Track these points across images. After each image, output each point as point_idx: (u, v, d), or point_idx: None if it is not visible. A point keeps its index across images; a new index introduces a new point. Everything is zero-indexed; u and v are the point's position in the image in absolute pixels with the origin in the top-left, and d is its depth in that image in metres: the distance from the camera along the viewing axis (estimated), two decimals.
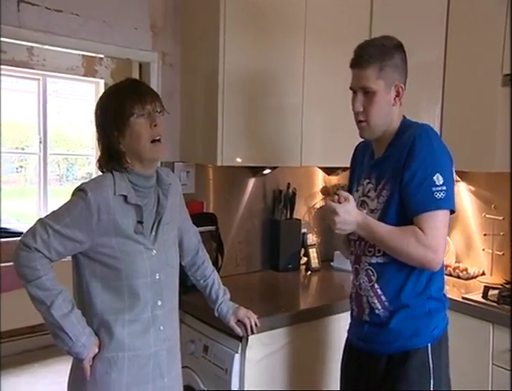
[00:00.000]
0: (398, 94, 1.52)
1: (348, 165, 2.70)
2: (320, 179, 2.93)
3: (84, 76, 4.60)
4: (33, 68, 4.34)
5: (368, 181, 1.59)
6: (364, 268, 1.57)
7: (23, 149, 4.85)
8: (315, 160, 2.51)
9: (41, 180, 4.71)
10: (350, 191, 1.70)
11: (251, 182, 2.63)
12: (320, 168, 2.86)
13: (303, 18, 2.33)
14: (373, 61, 1.48)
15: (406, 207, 1.45)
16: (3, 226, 4.07)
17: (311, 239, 2.75)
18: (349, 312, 2.13)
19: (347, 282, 2.52)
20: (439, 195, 1.41)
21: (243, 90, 2.19)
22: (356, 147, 1.79)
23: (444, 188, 1.41)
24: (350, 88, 1.56)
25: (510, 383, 1.93)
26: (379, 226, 1.46)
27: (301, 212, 2.82)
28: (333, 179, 2.93)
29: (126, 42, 2.24)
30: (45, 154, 4.69)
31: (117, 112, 1.42)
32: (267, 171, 2.57)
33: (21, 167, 4.93)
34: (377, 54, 1.49)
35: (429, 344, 1.49)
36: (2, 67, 4.09)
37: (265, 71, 2.25)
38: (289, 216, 2.67)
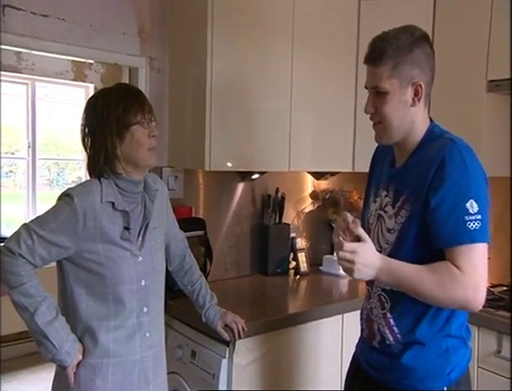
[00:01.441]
0: (417, 93, 1.31)
1: (336, 170, 2.76)
2: (309, 184, 2.94)
3: (73, 80, 4.60)
4: (21, 73, 4.32)
5: (385, 193, 1.40)
6: (376, 292, 1.40)
7: (13, 154, 4.82)
8: (303, 165, 2.51)
9: (29, 185, 4.68)
10: (366, 198, 1.56)
11: (240, 186, 2.63)
12: (309, 172, 2.87)
13: (291, 22, 2.34)
14: (386, 58, 1.29)
15: (432, 236, 1.26)
16: None
17: (300, 243, 2.76)
18: (337, 316, 2.16)
19: (336, 286, 2.56)
20: (474, 226, 1.20)
21: (231, 94, 2.19)
22: (376, 149, 1.58)
23: (479, 217, 1.20)
24: (365, 87, 1.38)
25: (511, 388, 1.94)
26: (404, 266, 1.25)
27: (290, 216, 2.82)
28: (322, 184, 2.94)
29: (114, 47, 2.23)
30: (33, 159, 4.67)
31: (120, 117, 1.41)
32: (255, 176, 2.57)
33: (11, 172, 4.91)
34: (390, 49, 1.29)
35: (444, 388, 1.31)
36: None
37: (253, 75, 2.25)
38: (277, 220, 2.67)
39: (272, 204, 2.66)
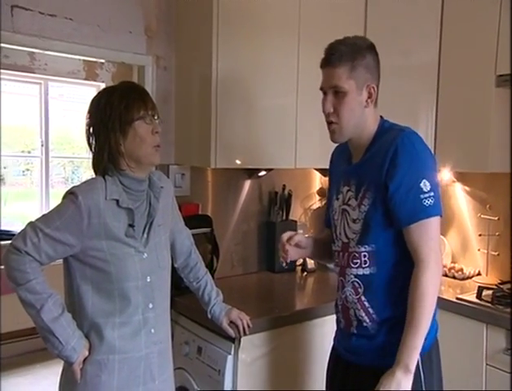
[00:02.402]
0: (370, 96, 1.45)
1: None
2: (317, 180, 2.93)
3: (85, 79, 4.65)
4: (34, 73, 4.39)
5: (347, 188, 1.51)
6: (349, 280, 1.50)
7: (29, 152, 4.92)
8: (309, 162, 2.51)
9: (43, 182, 4.75)
10: (329, 197, 1.67)
11: (247, 183, 2.64)
12: (316, 169, 2.86)
13: (297, 19, 2.34)
14: (345, 60, 1.41)
15: (393, 218, 1.39)
16: (7, 228, 4.11)
17: None
18: None
19: None
20: (428, 202, 1.35)
21: (236, 92, 2.20)
22: (333, 152, 1.72)
23: (432, 194, 1.36)
24: (321, 89, 1.49)
25: (511, 385, 1.93)
26: (408, 334, 1.34)
27: (297, 213, 2.83)
28: None
29: (121, 46, 2.25)
30: (46, 157, 4.75)
31: (123, 113, 1.42)
32: (262, 173, 2.58)
33: (27, 170, 5.00)
34: (348, 52, 1.41)
35: (419, 358, 1.39)
36: (5, 71, 4.16)
37: (258, 73, 2.25)
38: (284, 217, 2.68)
39: (279, 201, 2.67)
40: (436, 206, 1.37)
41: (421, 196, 1.35)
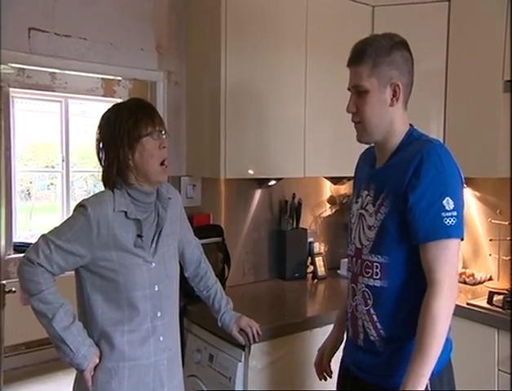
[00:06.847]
0: (395, 94, 1.37)
1: (351, 175, 2.74)
2: (327, 188, 2.95)
3: (103, 96, 4.75)
4: (55, 91, 4.52)
5: (367, 193, 1.45)
6: (360, 289, 1.43)
7: (53, 167, 5.05)
8: (318, 171, 2.53)
9: (64, 196, 4.89)
10: (350, 201, 1.61)
11: (257, 193, 2.68)
12: (326, 177, 2.88)
13: (304, 31, 2.38)
14: (366, 58, 1.36)
15: (410, 232, 1.31)
16: (30, 241, 4.23)
17: (318, 247, 2.78)
18: None
19: None
20: (450, 222, 1.26)
21: (245, 103, 2.24)
22: (360, 156, 1.66)
23: (455, 214, 1.27)
24: (348, 89, 1.45)
25: (510, 385, 1.91)
26: (416, 361, 1.25)
27: (307, 221, 2.85)
28: (340, 189, 2.95)
29: (133, 63, 2.32)
30: (67, 171, 4.87)
31: (132, 129, 1.47)
32: (272, 182, 2.61)
33: (52, 184, 5.14)
34: (370, 50, 1.37)
35: (428, 382, 1.31)
36: (28, 91, 4.36)
37: (267, 85, 2.29)
38: (295, 226, 2.70)
39: (289, 210, 2.69)
40: (458, 227, 1.28)
41: (443, 214, 1.27)
